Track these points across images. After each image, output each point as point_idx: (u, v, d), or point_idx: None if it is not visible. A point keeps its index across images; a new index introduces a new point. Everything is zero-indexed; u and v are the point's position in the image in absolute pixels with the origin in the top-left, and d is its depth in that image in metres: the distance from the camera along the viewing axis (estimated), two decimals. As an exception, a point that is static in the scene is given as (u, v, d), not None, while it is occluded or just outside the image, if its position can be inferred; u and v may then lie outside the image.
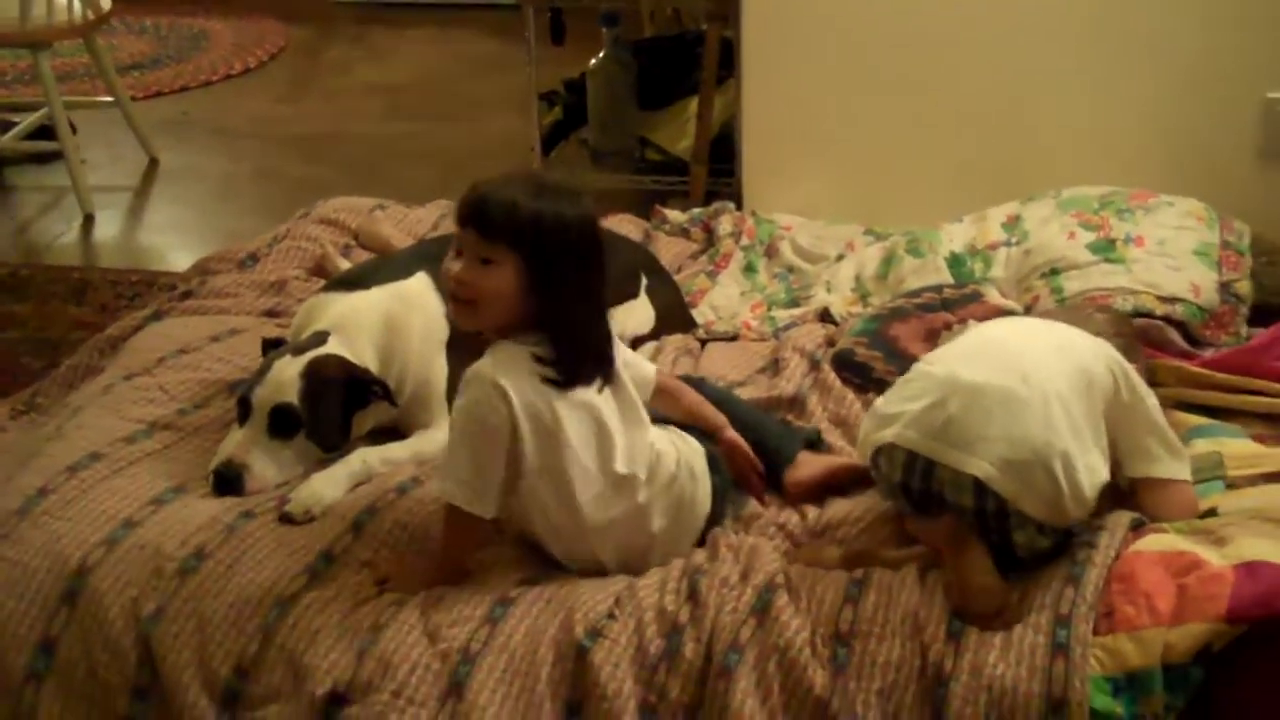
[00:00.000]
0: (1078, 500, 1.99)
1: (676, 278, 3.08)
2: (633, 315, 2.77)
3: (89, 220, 4.63)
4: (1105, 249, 2.81)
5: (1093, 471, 2.01)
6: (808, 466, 2.31)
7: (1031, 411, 2.01)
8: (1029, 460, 1.98)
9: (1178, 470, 2.16)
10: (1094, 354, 2.14)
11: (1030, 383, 2.04)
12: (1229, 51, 3.54)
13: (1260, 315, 2.74)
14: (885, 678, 1.90)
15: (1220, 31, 3.52)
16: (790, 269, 3.22)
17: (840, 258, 3.17)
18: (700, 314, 3.00)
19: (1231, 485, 2.20)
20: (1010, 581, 1.99)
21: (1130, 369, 2.17)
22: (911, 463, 2.06)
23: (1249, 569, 1.91)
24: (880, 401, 2.16)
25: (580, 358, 2.02)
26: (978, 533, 2.01)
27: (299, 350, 2.33)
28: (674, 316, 2.85)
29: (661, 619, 1.97)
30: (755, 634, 1.94)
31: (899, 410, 2.10)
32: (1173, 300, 2.68)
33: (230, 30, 6.60)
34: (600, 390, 2.05)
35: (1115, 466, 2.13)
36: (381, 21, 6.68)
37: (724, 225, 3.36)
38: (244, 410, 2.30)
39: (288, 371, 2.29)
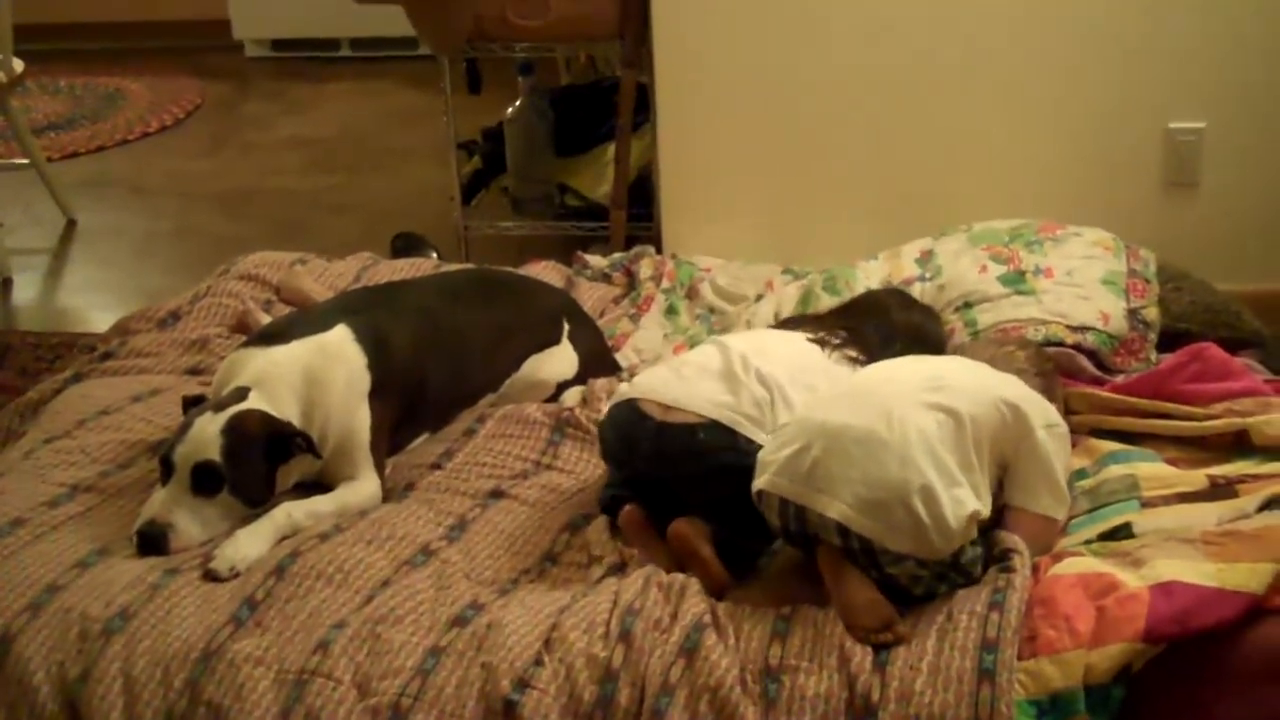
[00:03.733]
0: (943, 533, 2.01)
1: (600, 322, 3.11)
2: (556, 361, 2.79)
3: (7, 283, 4.60)
4: (1016, 281, 2.86)
5: (959, 504, 2.02)
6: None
7: (890, 450, 2.04)
8: (885, 499, 2.01)
9: (1051, 509, 2.20)
10: (979, 390, 2.19)
11: (891, 420, 2.07)
12: (1132, 84, 3.64)
13: (1168, 341, 2.79)
14: (815, 710, 1.91)
15: (1123, 64, 3.62)
16: (711, 310, 3.25)
17: (760, 297, 3.21)
18: (624, 357, 3.02)
19: (1146, 505, 2.24)
20: (933, 605, 2.02)
21: (1029, 408, 2.20)
22: (785, 508, 2.10)
23: (1164, 589, 1.95)
24: (763, 450, 2.19)
25: None
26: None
27: (219, 406, 2.32)
28: (598, 360, 2.87)
29: (593, 665, 1.97)
30: (685, 674, 1.95)
31: (772, 458, 2.14)
32: (1083, 329, 2.73)
33: (146, 88, 6.57)
34: None
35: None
36: (299, 75, 6.68)
37: (645, 269, 3.39)
38: (166, 469, 2.29)
39: (209, 429, 2.28)
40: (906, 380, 2.20)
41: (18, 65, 4.82)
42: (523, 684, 1.95)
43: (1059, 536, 2.21)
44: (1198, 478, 2.29)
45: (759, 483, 2.13)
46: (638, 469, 2.33)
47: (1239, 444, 2.38)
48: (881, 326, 2.59)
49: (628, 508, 2.30)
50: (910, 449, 2.04)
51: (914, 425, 2.07)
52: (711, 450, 2.27)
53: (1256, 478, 2.26)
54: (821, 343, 2.49)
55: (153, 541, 2.23)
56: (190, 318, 3.07)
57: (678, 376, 2.38)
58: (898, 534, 2.01)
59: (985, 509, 2.10)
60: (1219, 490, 2.24)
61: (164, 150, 5.89)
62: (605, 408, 2.50)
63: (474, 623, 2.06)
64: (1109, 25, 3.59)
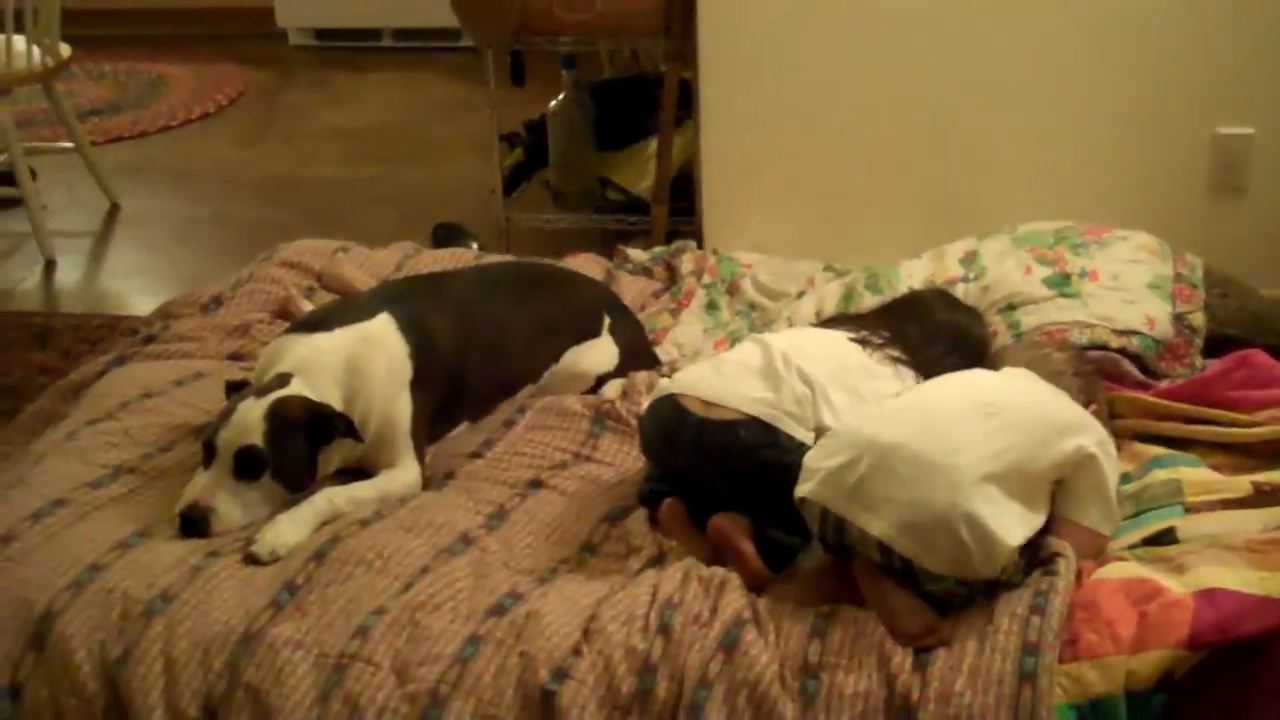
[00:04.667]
0: (988, 561, 2.00)
1: (640, 316, 3.10)
2: (596, 354, 2.79)
3: (50, 265, 4.63)
4: (1060, 283, 2.84)
5: (1006, 533, 2.01)
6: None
7: (939, 473, 2.03)
8: (930, 522, 2.00)
9: (1100, 524, 2.18)
10: (1034, 412, 2.18)
11: (944, 443, 2.06)
12: (1180, 87, 3.62)
13: (1214, 346, 2.77)
14: (854, 708, 1.91)
15: (1172, 68, 3.60)
16: (752, 306, 3.24)
17: (801, 294, 3.20)
18: (664, 351, 3.02)
19: (1190, 510, 2.22)
20: (974, 607, 2.01)
21: (1084, 429, 2.19)
22: (826, 518, 2.09)
23: (1208, 596, 1.94)
24: (809, 455, 2.19)
25: None
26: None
27: (262, 392, 2.33)
28: (637, 354, 2.87)
29: (632, 657, 1.97)
30: (724, 669, 1.95)
31: (818, 466, 2.13)
32: (1128, 333, 2.71)
33: (189, 75, 6.61)
34: None
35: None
36: (341, 65, 6.70)
37: (686, 263, 3.39)
38: (209, 453, 2.30)
39: (252, 413, 2.29)
40: (962, 401, 2.19)
41: (64, 50, 4.85)
42: (561, 674, 1.95)
43: (1105, 549, 2.19)
44: (1242, 484, 2.27)
45: (802, 490, 2.13)
46: (678, 464, 2.33)
47: (1284, 452, 2.37)
48: (925, 327, 2.57)
49: (667, 501, 2.30)
50: (960, 475, 2.03)
51: (966, 450, 2.06)
52: (752, 447, 2.26)
53: (1302, 486, 2.24)
54: (863, 343, 2.48)
55: (195, 524, 2.25)
56: (232, 303, 3.08)
57: (718, 373, 2.38)
58: (940, 557, 2.00)
59: (1036, 528, 2.09)
60: (1264, 497, 2.22)
61: (206, 137, 5.93)
62: (645, 401, 2.50)
63: (512, 612, 2.06)
64: (1158, 29, 3.57)
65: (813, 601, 2.08)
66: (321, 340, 2.45)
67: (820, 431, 2.26)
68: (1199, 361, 2.73)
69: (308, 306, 2.99)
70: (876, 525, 2.03)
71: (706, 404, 2.31)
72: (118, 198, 5.12)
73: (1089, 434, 2.19)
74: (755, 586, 2.12)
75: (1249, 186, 3.66)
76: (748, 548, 2.16)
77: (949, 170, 3.74)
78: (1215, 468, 2.36)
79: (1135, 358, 2.68)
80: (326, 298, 3.10)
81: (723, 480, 2.29)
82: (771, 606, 2.06)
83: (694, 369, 2.49)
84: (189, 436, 2.52)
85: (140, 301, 4.23)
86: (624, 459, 2.53)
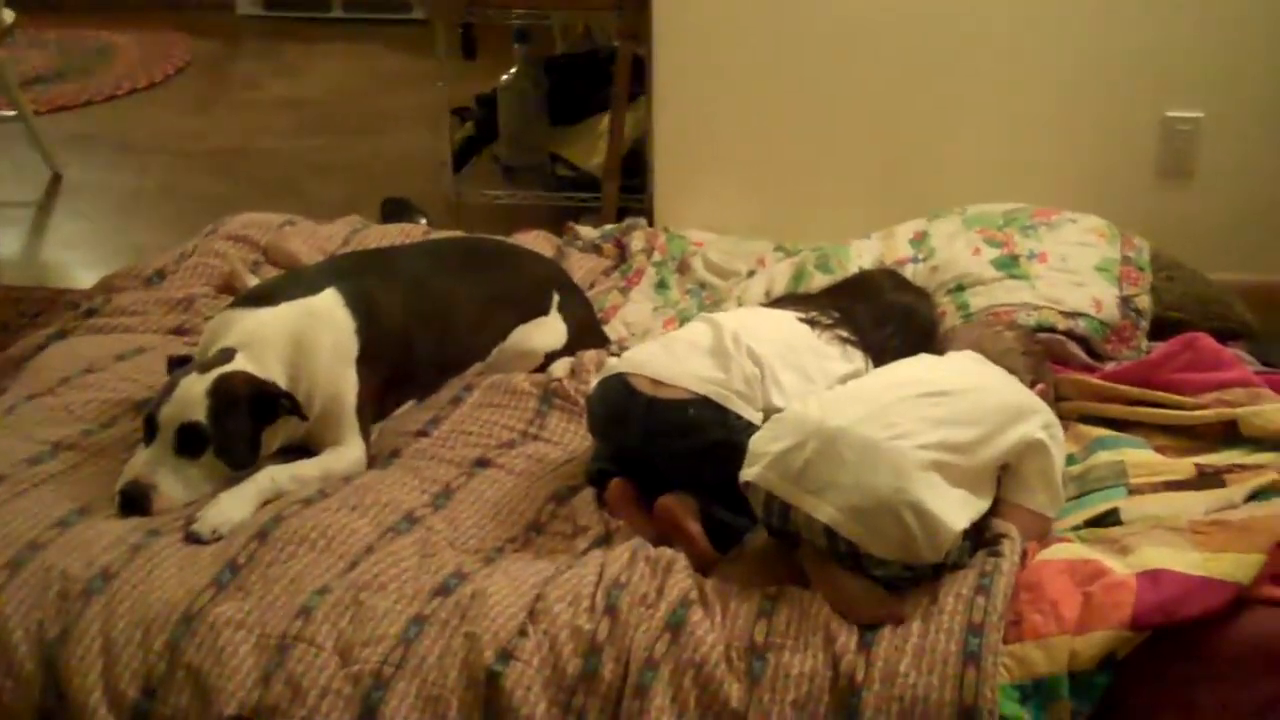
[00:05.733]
0: (933, 546, 2.00)
1: (589, 294, 3.09)
2: (545, 331, 2.77)
3: (-10, 237, 4.56)
4: (1009, 265, 2.85)
5: (951, 519, 2.01)
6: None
7: (886, 459, 2.03)
8: (876, 508, 2.00)
9: (1046, 507, 2.19)
10: (983, 396, 2.18)
11: (891, 429, 2.06)
12: (1130, 71, 3.63)
13: (1159, 329, 2.79)
14: (799, 688, 1.91)
15: (1121, 52, 3.62)
16: (702, 285, 3.23)
17: (751, 273, 3.19)
18: (613, 330, 3.00)
19: (1134, 492, 2.24)
20: (919, 588, 2.01)
21: (1031, 412, 2.20)
22: (771, 503, 2.09)
23: (1151, 577, 1.95)
24: (755, 438, 2.18)
25: None
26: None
27: (205, 367, 2.30)
28: (587, 332, 2.86)
29: (577, 638, 1.96)
30: (670, 650, 1.94)
31: (764, 450, 2.12)
32: (1075, 315, 2.72)
33: (135, 44, 6.52)
34: None
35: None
36: (290, 36, 6.64)
37: (636, 241, 3.37)
38: (150, 429, 2.27)
39: (194, 389, 2.26)
40: (908, 386, 2.19)
41: (8, 16, 4.77)
42: (506, 655, 1.94)
43: (1049, 531, 2.20)
44: (1186, 466, 2.29)
45: (748, 473, 2.12)
46: (627, 443, 2.32)
47: (1228, 434, 2.38)
48: (874, 307, 2.58)
49: (615, 481, 2.29)
50: (905, 460, 2.03)
51: (912, 436, 2.06)
52: (702, 426, 2.26)
53: (1244, 468, 2.26)
54: (812, 323, 2.48)
55: (135, 501, 2.22)
56: (176, 277, 3.05)
57: (668, 352, 2.37)
58: (886, 542, 2.00)
59: (981, 511, 2.10)
60: (1207, 479, 2.24)
61: (152, 107, 5.85)
62: (594, 380, 2.49)
63: (458, 592, 2.05)
64: (1109, 14, 3.58)
65: (759, 582, 2.08)
66: (266, 315, 2.42)
67: (769, 411, 2.26)
68: (1145, 344, 2.75)
69: (253, 281, 2.96)
70: (822, 510, 2.03)
71: (656, 383, 2.30)
72: (60, 168, 5.05)
73: (1036, 418, 2.20)
74: (702, 567, 2.12)
75: (1197, 170, 3.68)
76: (695, 528, 2.16)
77: (900, 151, 3.75)
78: (1159, 450, 2.38)
79: (1082, 340, 2.69)
80: (272, 272, 3.07)
81: (671, 459, 2.28)
82: (718, 587, 2.05)
83: (643, 348, 2.48)
84: (130, 412, 2.49)
85: (82, 274, 4.17)
86: (571, 438, 2.52)
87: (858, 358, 2.45)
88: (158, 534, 2.15)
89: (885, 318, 2.56)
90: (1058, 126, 3.69)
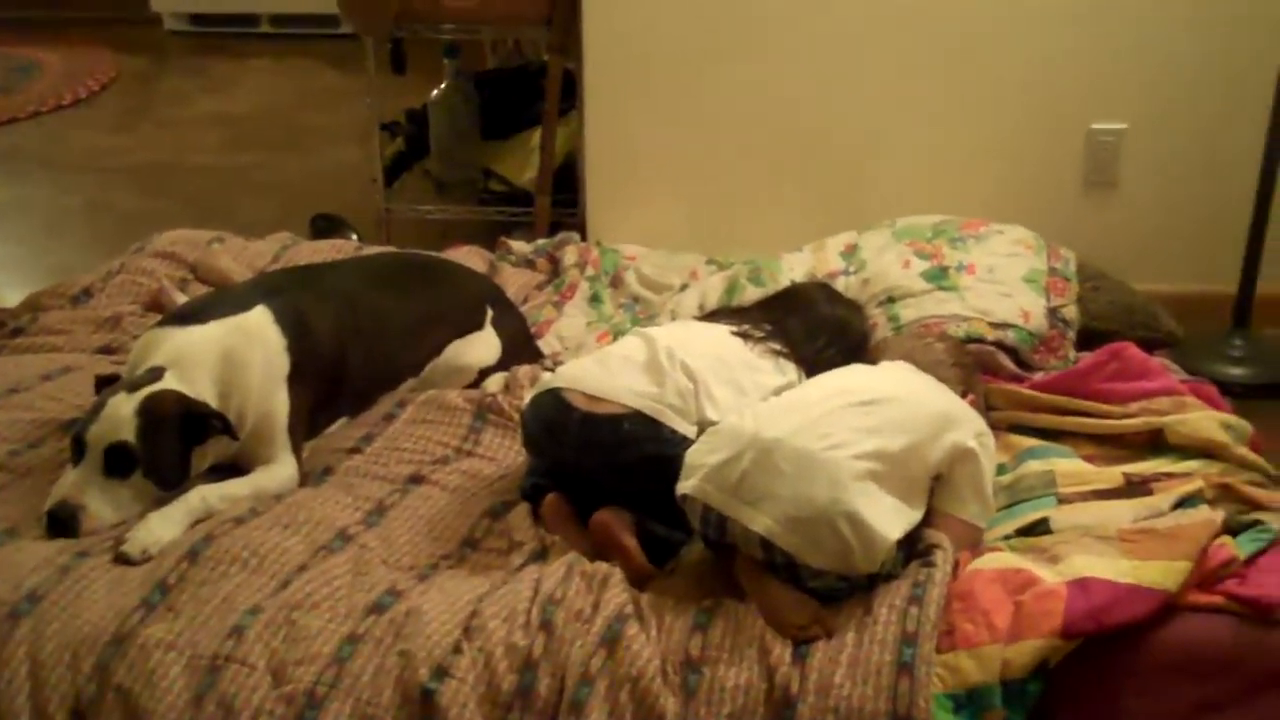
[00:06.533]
0: (868, 556, 2.01)
1: (523, 309, 3.09)
2: (478, 347, 2.77)
3: (-89, 256, 4.48)
4: (938, 277, 2.88)
5: (886, 529, 2.03)
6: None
7: (821, 469, 2.04)
8: (812, 518, 2.01)
9: (977, 516, 2.21)
10: (914, 404, 2.20)
11: (825, 440, 2.08)
12: (1054, 84, 3.68)
13: (1086, 339, 2.82)
14: (735, 701, 1.91)
15: (1046, 66, 3.66)
16: (635, 298, 3.24)
17: (684, 287, 3.21)
18: (547, 344, 3.00)
19: (1064, 501, 2.27)
20: (853, 599, 2.03)
21: (961, 420, 2.22)
22: (707, 515, 2.09)
23: (1081, 585, 1.97)
24: (691, 451, 2.19)
25: None
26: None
27: (134, 387, 2.28)
28: (520, 347, 2.85)
29: (513, 654, 1.96)
30: (606, 665, 1.94)
31: (700, 462, 2.13)
32: (1004, 326, 2.75)
33: (60, 60, 6.44)
34: None
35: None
36: (218, 51, 6.58)
37: (569, 256, 3.37)
38: (78, 450, 2.24)
39: (123, 409, 2.23)
40: (842, 396, 2.20)
41: (-73, 32, 4.70)
42: (441, 672, 1.93)
43: (981, 540, 2.22)
44: (1114, 475, 2.32)
45: (685, 486, 2.13)
46: (562, 458, 2.32)
47: (1154, 443, 2.42)
48: (807, 321, 2.59)
49: (550, 496, 2.28)
50: (840, 470, 2.04)
51: (846, 446, 2.07)
52: (636, 441, 2.26)
53: (1171, 476, 2.30)
54: (745, 336, 2.49)
55: (63, 523, 2.19)
56: (103, 295, 3.02)
57: (602, 367, 2.37)
58: (822, 552, 2.01)
59: (915, 522, 2.11)
60: (1134, 488, 2.28)
61: (77, 124, 5.78)
62: (528, 395, 2.49)
63: (392, 609, 2.04)
64: (1034, 28, 3.63)
65: (695, 595, 2.08)
66: (195, 333, 2.40)
67: (703, 426, 2.27)
68: (1072, 354, 2.78)
69: (181, 299, 2.93)
70: (759, 521, 2.03)
71: (590, 398, 2.30)
72: (-16, 186, 4.98)
73: (967, 426, 2.22)
74: (638, 581, 2.12)
75: (1120, 181, 3.74)
76: (630, 543, 2.16)
77: (831, 164, 3.77)
78: (1088, 459, 2.41)
79: (1011, 350, 2.72)
80: (201, 290, 3.04)
81: (606, 474, 2.28)
82: (654, 601, 2.06)
83: (577, 363, 2.48)
84: (58, 432, 2.46)
85: (8, 294, 4.09)
86: (506, 453, 2.51)
87: (791, 370, 2.46)
88: (86, 555, 2.12)
89: (818, 330, 2.58)
90: (985, 139, 3.73)
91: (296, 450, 2.42)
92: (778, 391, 2.38)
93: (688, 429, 2.27)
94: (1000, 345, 2.72)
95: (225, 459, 2.38)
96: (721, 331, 2.51)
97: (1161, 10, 3.58)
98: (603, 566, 2.12)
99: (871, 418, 2.13)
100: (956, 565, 2.10)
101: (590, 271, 3.31)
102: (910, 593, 2.02)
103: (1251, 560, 2.03)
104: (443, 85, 4.39)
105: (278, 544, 2.16)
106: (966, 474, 2.19)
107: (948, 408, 2.25)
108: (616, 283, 3.28)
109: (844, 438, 2.08)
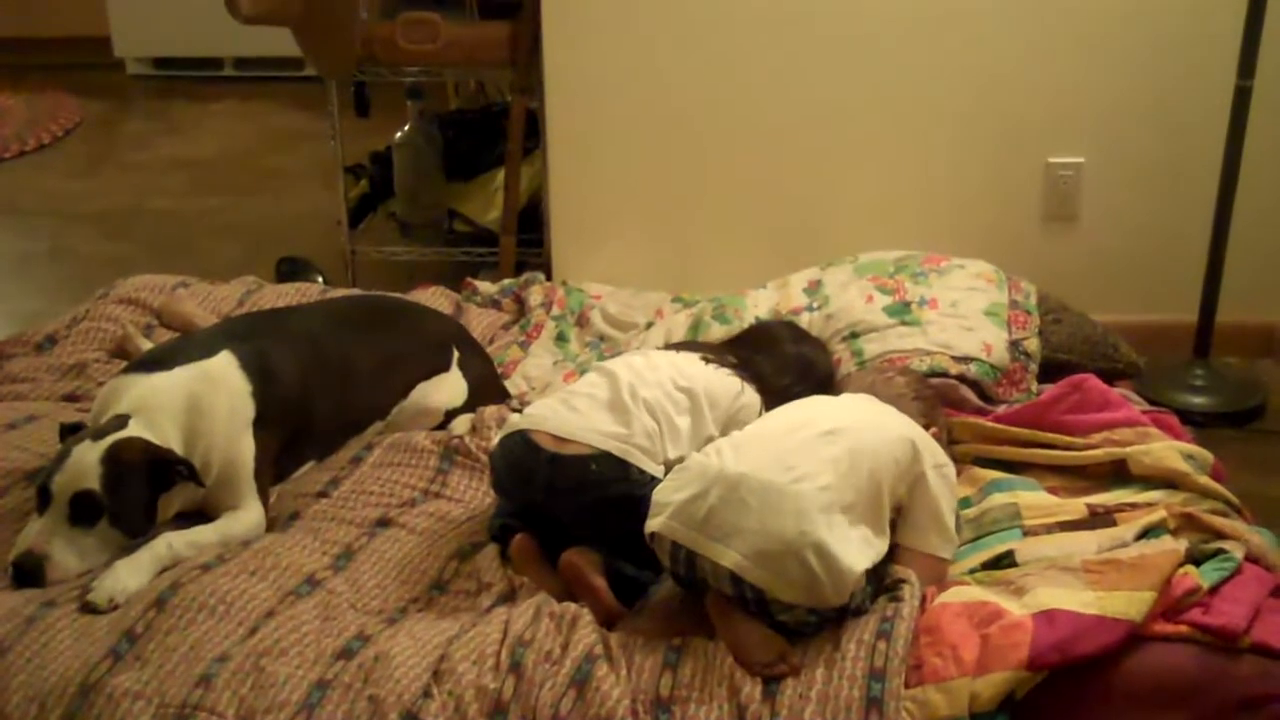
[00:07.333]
0: (837, 588, 2.02)
1: (489, 349, 3.09)
2: (445, 388, 2.77)
3: (-127, 304, 4.45)
4: (901, 312, 2.90)
5: (854, 560, 2.03)
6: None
7: (787, 502, 2.05)
8: (780, 551, 2.01)
9: (939, 548, 2.23)
10: (877, 435, 2.21)
11: (790, 472, 2.08)
12: (1013, 119, 3.72)
13: (1048, 371, 2.85)
14: (705, 741, 1.91)
15: (1005, 101, 3.70)
16: (601, 337, 3.25)
17: (650, 325, 3.22)
18: (513, 385, 3.01)
19: (1028, 533, 2.28)
20: (821, 635, 2.03)
21: (922, 449, 2.23)
22: (677, 552, 2.10)
23: (1047, 617, 1.99)
24: (658, 489, 2.19)
25: None
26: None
27: (99, 434, 2.27)
28: (487, 388, 2.86)
29: (483, 697, 1.95)
30: (576, 706, 1.94)
31: (668, 500, 2.13)
32: (966, 359, 2.77)
33: (22, 105, 6.43)
34: None
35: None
36: (181, 95, 6.58)
37: (534, 296, 3.38)
38: (43, 499, 2.23)
39: (88, 457, 2.23)
40: (805, 429, 2.21)
41: (-112, 80, 4.69)
42: (411, 717, 1.92)
43: (946, 573, 2.23)
44: (1078, 506, 2.34)
45: (653, 524, 2.13)
46: (531, 499, 2.32)
47: (1117, 473, 2.44)
48: (773, 358, 2.61)
49: (519, 537, 2.29)
50: (806, 502, 2.05)
51: (811, 477, 2.08)
52: (604, 481, 2.26)
53: (1134, 506, 2.31)
54: (714, 364, 2.50)
55: (29, 573, 2.18)
56: (68, 342, 3.00)
57: (569, 408, 2.38)
58: (791, 586, 2.01)
59: (881, 553, 2.12)
60: (1098, 519, 2.29)
61: (40, 169, 5.76)
62: (495, 436, 2.49)
63: (361, 654, 2.03)
64: (993, 64, 3.67)
65: (665, 634, 2.08)
66: (160, 380, 2.40)
67: (668, 466, 2.27)
68: (1035, 386, 2.80)
69: (146, 345, 2.92)
70: (728, 556, 2.04)
71: (558, 439, 2.31)
72: (-54, 233, 4.96)
73: (927, 456, 2.23)
74: (607, 621, 2.12)
75: (1079, 214, 3.78)
76: (599, 583, 2.16)
77: (793, 201, 3.80)
78: (1052, 490, 2.43)
79: (973, 384, 2.74)
80: (166, 335, 3.03)
81: (575, 514, 2.28)
82: (623, 641, 2.06)
83: (543, 403, 2.48)
84: (22, 482, 2.44)
85: (-29, 340, 4.08)
86: (474, 495, 2.52)
87: (750, 392, 2.48)
88: (53, 605, 2.11)
89: (784, 368, 2.60)
90: (946, 174, 3.76)
91: (263, 495, 2.42)
92: (739, 409, 2.39)
93: (655, 469, 2.28)
94: (963, 379, 2.73)
95: (192, 506, 2.37)
96: (684, 355, 2.52)
97: (1116, 45, 3.63)
98: (571, 607, 2.12)
99: (834, 447, 2.14)
100: (924, 599, 2.11)
101: (556, 311, 3.32)
102: (878, 628, 2.02)
103: (1215, 589, 2.05)
104: (406, 127, 4.40)
105: (245, 590, 2.16)
106: (925, 504, 2.20)
107: (909, 434, 2.26)
108: (582, 322, 3.30)
109: (809, 469, 2.09)
